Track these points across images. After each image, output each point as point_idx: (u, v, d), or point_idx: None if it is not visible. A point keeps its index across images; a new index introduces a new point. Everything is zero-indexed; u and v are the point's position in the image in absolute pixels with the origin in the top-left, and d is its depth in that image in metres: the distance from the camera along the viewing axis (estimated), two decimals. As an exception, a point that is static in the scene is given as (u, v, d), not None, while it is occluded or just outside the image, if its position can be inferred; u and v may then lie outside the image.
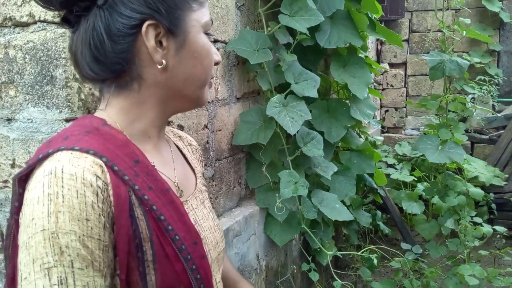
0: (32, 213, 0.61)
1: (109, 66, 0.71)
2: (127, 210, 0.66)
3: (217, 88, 1.76)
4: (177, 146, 0.91)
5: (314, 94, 2.01)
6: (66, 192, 0.61)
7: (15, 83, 1.19)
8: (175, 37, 0.73)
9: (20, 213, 0.65)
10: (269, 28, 1.97)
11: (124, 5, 0.69)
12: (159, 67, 0.72)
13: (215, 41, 1.72)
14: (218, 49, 1.75)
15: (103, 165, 0.66)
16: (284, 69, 1.99)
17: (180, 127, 1.52)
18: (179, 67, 0.74)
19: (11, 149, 1.21)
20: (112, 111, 0.75)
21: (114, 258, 0.66)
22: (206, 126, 1.68)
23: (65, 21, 0.73)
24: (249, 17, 1.98)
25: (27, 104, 1.18)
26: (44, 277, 0.59)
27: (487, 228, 2.85)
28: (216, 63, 0.80)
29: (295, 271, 2.36)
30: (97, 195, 0.63)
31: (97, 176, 0.64)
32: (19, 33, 1.18)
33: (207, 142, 1.70)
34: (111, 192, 0.65)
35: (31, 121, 1.18)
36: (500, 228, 2.98)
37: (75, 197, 0.61)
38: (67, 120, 1.13)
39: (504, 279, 2.58)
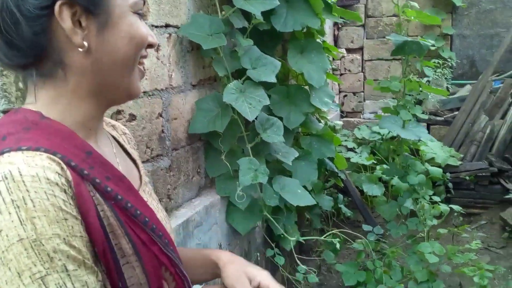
0: None
1: (24, 51, 0.65)
2: (93, 208, 0.63)
3: (171, 75, 1.69)
4: (113, 137, 0.86)
5: (272, 79, 1.97)
6: (34, 196, 0.56)
7: None
8: (96, 16, 0.66)
9: None
10: (223, 12, 1.92)
11: None
12: (80, 50, 0.66)
13: (167, 26, 1.66)
14: (170, 35, 1.68)
15: (61, 161, 0.61)
16: (240, 54, 1.95)
17: (132, 116, 1.45)
18: (103, 49, 0.68)
19: None
20: (42, 103, 0.69)
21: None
22: (160, 115, 1.62)
23: None
24: (202, 0, 1.92)
25: (-40, 95, 1.08)
26: (39, 287, 0.55)
27: (444, 207, 2.92)
28: (150, 45, 0.75)
29: (259, 258, 2.34)
30: (65, 192, 0.59)
31: (59, 174, 0.59)
32: None
33: (163, 132, 1.64)
34: (74, 190, 0.61)
35: (-34, 114, 1.09)
36: (456, 207, 3.06)
37: (46, 199, 0.57)
38: (4, 112, 1.05)
39: (462, 256, 2.65)
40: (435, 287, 2.49)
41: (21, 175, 0.57)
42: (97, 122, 0.75)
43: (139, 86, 0.75)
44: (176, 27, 1.72)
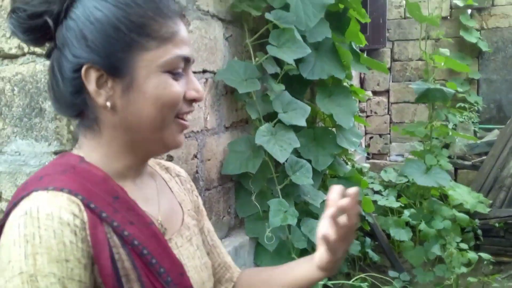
0: (9, 256, 0.59)
1: (64, 107, 0.73)
2: (107, 251, 0.65)
3: (206, 118, 1.76)
4: (164, 179, 0.88)
5: (302, 123, 2.02)
6: (43, 233, 0.59)
7: (2, 115, 1.17)
8: (120, 78, 0.70)
9: None
10: (256, 59, 2.00)
11: (69, 48, 0.69)
12: (105, 109, 0.71)
13: (204, 72, 1.74)
14: (206, 80, 1.76)
15: (80, 203, 0.64)
16: (272, 98, 2.01)
17: (170, 157, 1.51)
18: (128, 109, 0.71)
19: (-3, 182, 1.19)
20: (85, 150, 0.75)
21: None
22: (195, 156, 1.68)
23: (49, 56, 0.75)
24: (236, 47, 2.01)
25: (15, 136, 1.16)
26: None
27: (472, 254, 2.86)
28: (194, 100, 0.75)
29: (285, 301, 2.32)
30: (75, 234, 0.62)
31: (75, 215, 0.63)
32: (7, 65, 1.17)
33: (197, 172, 1.69)
34: (88, 232, 0.63)
35: (19, 154, 1.16)
36: (486, 255, 2.98)
37: (53, 237, 0.60)
38: (56, 153, 1.12)
39: (493, 306, 2.57)
40: None
41: (38, 212, 0.61)
42: (134, 171, 0.77)
43: (177, 138, 0.75)
44: (213, 72, 1.80)
